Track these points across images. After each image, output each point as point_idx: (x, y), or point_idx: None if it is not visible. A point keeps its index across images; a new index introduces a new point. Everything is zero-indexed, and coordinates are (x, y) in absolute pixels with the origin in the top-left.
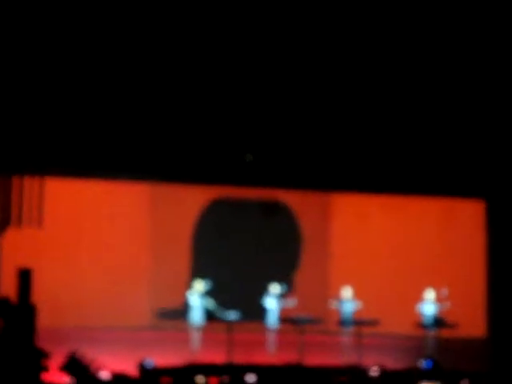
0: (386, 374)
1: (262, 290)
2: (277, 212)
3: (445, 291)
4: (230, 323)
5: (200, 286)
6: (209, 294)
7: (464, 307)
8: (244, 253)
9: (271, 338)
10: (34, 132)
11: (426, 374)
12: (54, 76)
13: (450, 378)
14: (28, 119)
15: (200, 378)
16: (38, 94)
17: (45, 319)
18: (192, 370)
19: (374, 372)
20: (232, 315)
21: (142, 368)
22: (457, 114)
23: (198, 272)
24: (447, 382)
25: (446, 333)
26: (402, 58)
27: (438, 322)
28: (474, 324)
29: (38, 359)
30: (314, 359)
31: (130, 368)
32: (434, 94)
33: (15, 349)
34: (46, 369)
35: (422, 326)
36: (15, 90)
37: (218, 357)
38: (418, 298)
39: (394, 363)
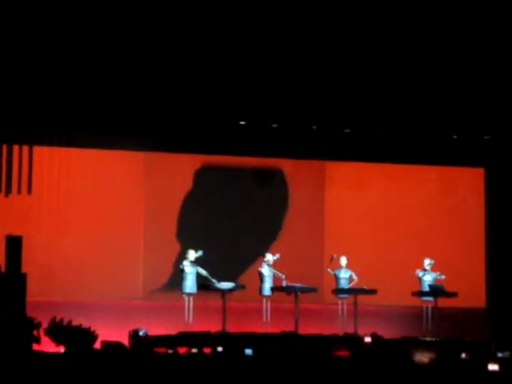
0: (381, 342)
1: (255, 259)
2: (271, 180)
3: (431, 262)
4: (223, 292)
5: (193, 254)
6: (201, 262)
7: (464, 276)
8: (238, 221)
9: (266, 307)
10: (23, 98)
11: (421, 343)
12: (43, 43)
13: (448, 348)
14: (16, 85)
15: None
16: (25, 61)
17: (34, 288)
18: (185, 339)
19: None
20: (225, 284)
21: (135, 337)
22: (456, 85)
23: (190, 241)
24: (445, 351)
25: (445, 302)
26: (400, 29)
27: (437, 291)
28: (473, 293)
29: (29, 329)
30: (310, 328)
31: (122, 338)
32: (434, 64)
33: (5, 318)
34: (37, 339)
35: (419, 295)
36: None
37: (211, 326)
38: (416, 266)
39: (390, 332)
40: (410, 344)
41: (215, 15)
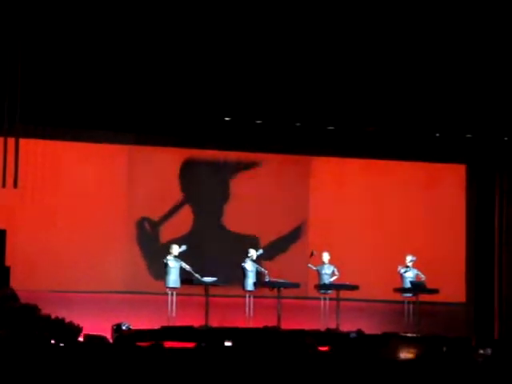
0: (364, 337)
1: (239, 254)
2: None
3: (413, 258)
4: (206, 286)
5: (176, 249)
6: (185, 256)
7: (445, 272)
8: (221, 215)
9: (248, 302)
10: (9, 91)
11: (406, 339)
12: (32, 35)
13: (430, 344)
14: (2, 78)
15: None
16: (12, 54)
17: (18, 281)
18: (168, 333)
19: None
20: (208, 279)
21: (118, 331)
22: (439, 84)
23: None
24: (427, 347)
25: (426, 298)
26: (382, 26)
27: (419, 287)
28: (455, 289)
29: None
30: (292, 323)
31: (105, 331)
32: (417, 62)
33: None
34: None
35: (401, 291)
36: None
37: (194, 320)
38: (398, 262)
39: (372, 328)
40: (393, 339)
41: (204, 10)
